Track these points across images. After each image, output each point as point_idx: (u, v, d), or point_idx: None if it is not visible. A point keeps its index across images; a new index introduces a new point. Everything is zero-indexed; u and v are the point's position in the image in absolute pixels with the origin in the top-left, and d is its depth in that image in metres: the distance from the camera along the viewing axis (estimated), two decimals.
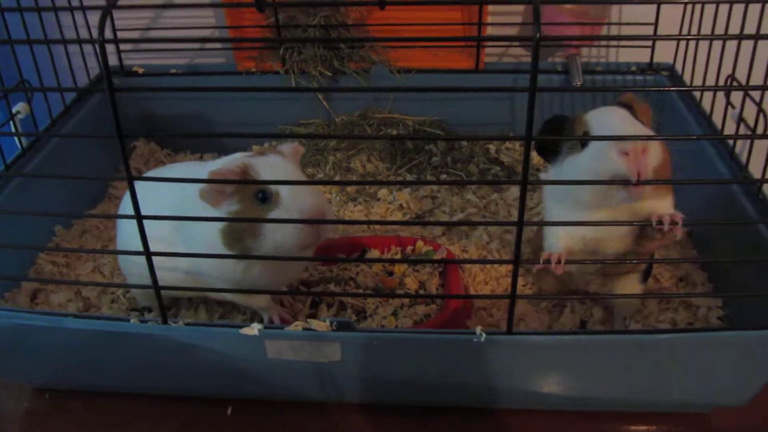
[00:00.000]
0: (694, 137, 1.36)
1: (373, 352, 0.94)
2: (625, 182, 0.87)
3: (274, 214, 0.95)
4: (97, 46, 0.72)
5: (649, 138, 0.88)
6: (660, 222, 0.88)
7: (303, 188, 0.98)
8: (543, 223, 1.02)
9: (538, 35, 0.66)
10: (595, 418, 1.07)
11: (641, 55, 1.64)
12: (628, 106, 0.97)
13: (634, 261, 1.00)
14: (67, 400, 1.13)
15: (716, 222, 1.31)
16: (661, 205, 0.95)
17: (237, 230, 0.96)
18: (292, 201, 0.96)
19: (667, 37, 1.20)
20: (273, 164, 0.99)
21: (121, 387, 1.13)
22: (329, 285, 1.22)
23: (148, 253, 0.86)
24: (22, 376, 1.14)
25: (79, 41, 1.17)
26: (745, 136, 1.22)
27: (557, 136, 0.92)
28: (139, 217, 0.84)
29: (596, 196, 0.94)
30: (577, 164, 0.95)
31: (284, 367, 0.98)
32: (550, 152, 1.00)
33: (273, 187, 0.96)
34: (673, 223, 0.87)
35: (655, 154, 0.89)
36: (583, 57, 1.74)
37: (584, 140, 0.92)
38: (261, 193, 0.96)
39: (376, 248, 1.30)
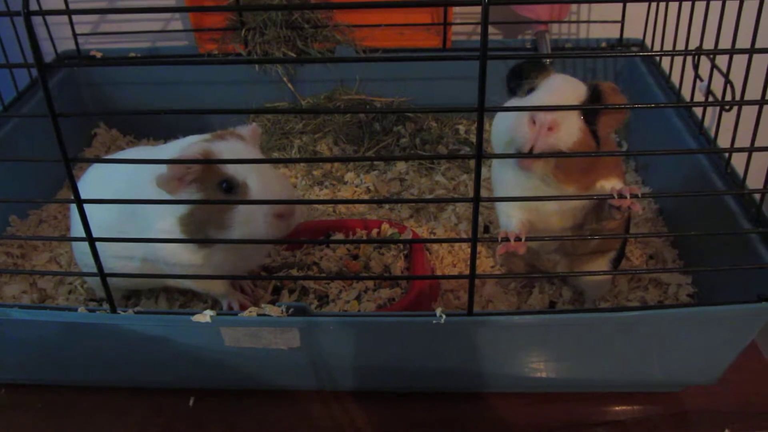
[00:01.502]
0: (646, 106, 1.34)
1: (332, 337, 0.92)
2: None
3: (243, 206, 0.90)
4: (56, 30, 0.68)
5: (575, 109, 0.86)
6: (621, 195, 0.86)
7: (272, 179, 0.94)
8: (498, 199, 1.00)
9: None
10: (565, 399, 1.05)
11: (611, 32, 1.62)
12: (598, 92, 0.91)
13: (596, 237, 0.97)
14: (24, 395, 1.09)
15: (673, 195, 1.31)
16: (610, 184, 0.93)
17: (199, 220, 0.92)
18: (264, 194, 0.91)
19: None
20: (237, 152, 0.94)
21: (78, 381, 1.10)
22: (291, 270, 1.18)
23: (90, 239, 0.83)
24: None
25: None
26: (703, 104, 1.20)
27: (510, 107, 0.89)
28: (78, 201, 0.80)
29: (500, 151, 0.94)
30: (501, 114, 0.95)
31: (245, 355, 0.95)
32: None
33: (240, 177, 0.91)
34: (633, 196, 0.84)
35: (564, 137, 0.86)
36: (553, 34, 1.71)
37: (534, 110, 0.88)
38: (226, 182, 0.92)
39: (341, 232, 1.27)
